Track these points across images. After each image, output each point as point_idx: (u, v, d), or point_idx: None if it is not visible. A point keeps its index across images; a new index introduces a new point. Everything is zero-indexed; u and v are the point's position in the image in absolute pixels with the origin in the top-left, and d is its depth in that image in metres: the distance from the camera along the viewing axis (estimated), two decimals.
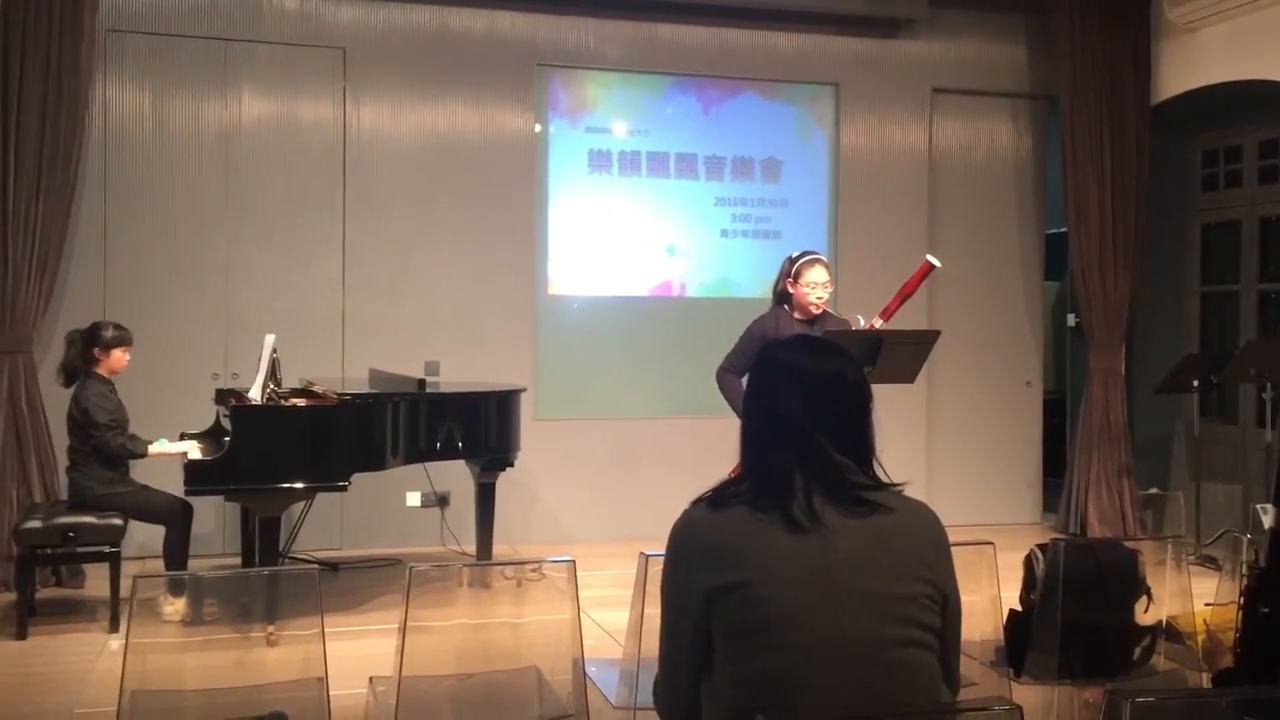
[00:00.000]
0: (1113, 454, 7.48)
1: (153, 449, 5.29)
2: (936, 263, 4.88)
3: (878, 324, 4.78)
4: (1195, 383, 6.77)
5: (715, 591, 1.89)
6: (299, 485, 4.96)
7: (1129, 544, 3.84)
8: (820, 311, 4.83)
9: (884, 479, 2.00)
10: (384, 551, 6.63)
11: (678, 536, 1.97)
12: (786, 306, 4.88)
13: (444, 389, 5.71)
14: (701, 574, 1.90)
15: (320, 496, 5.63)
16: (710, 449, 6.85)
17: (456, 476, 6.48)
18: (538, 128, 7.19)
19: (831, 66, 7.62)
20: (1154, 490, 7.72)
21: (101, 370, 5.34)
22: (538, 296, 7.22)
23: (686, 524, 1.97)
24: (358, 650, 4.42)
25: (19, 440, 5.85)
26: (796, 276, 4.80)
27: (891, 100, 7.71)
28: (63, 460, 5.54)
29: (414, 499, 6.89)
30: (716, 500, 1.96)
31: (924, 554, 1.94)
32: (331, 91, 6.84)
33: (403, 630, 2.85)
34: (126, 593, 5.12)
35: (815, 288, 4.79)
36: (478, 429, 5.59)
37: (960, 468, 7.77)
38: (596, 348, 7.34)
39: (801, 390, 1.97)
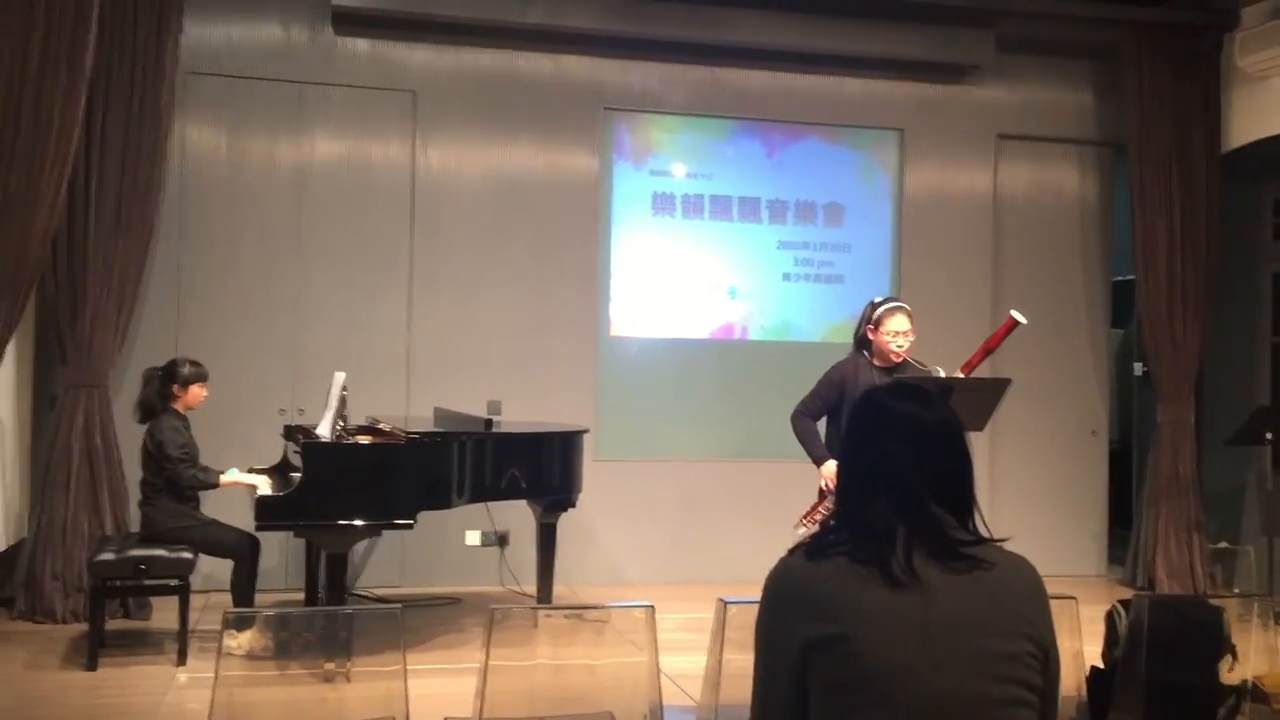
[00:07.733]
0: (1182, 507, 7.33)
1: (225, 478, 5.36)
2: (1022, 319, 4.72)
3: (959, 377, 4.70)
4: (1268, 435, 6.63)
5: (812, 644, 1.85)
6: (367, 522, 4.99)
7: (1213, 601, 3.76)
8: (900, 360, 4.79)
9: (984, 532, 1.97)
10: (444, 590, 6.64)
11: (774, 585, 1.94)
12: (866, 353, 4.85)
13: (507, 428, 5.73)
14: (798, 625, 1.86)
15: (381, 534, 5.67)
16: (769, 493, 6.87)
17: (515, 516, 6.49)
18: (600, 168, 7.26)
19: (896, 112, 7.62)
20: (1224, 544, 7.55)
21: (178, 406, 5.43)
22: (600, 337, 7.25)
23: (784, 573, 1.93)
24: (424, 689, 4.37)
25: (92, 473, 5.94)
26: (878, 324, 4.78)
27: (956, 146, 7.69)
28: (134, 493, 5.62)
29: (474, 538, 6.90)
30: (815, 550, 1.92)
31: (1025, 610, 1.89)
32: (401, 133, 6.95)
33: (484, 672, 2.84)
34: (194, 625, 5.22)
35: (896, 336, 4.76)
36: (542, 469, 5.60)
37: (1024, 518, 7.62)
38: (657, 389, 7.34)
39: (911, 441, 1.93)
